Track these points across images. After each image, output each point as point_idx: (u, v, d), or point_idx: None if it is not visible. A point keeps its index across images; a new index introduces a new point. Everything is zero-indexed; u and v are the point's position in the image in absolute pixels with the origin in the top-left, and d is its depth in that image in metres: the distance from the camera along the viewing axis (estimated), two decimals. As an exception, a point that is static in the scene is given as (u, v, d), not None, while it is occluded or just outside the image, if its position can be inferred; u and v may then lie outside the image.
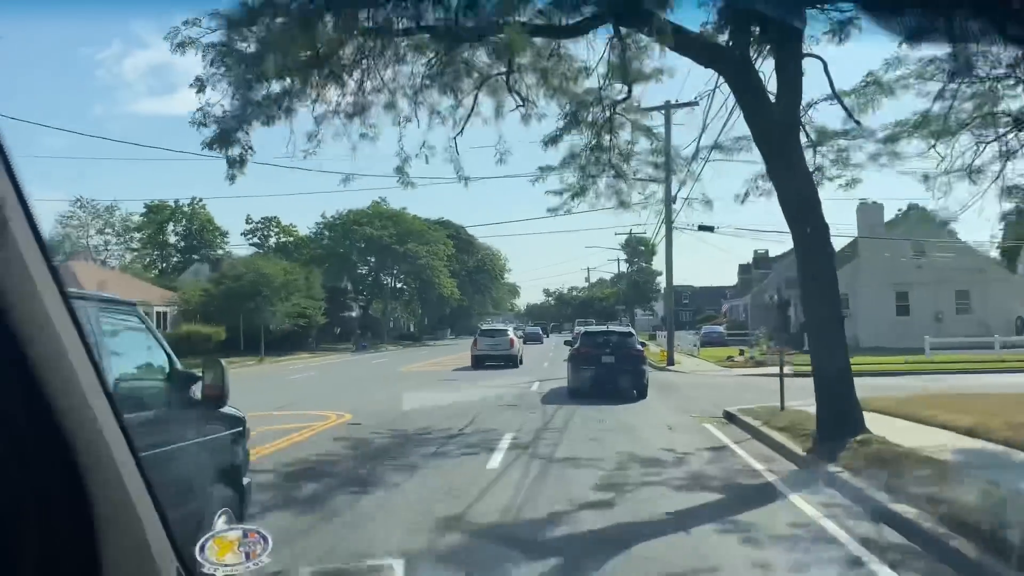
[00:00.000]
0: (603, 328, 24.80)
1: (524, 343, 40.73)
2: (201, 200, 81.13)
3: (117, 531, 1.12)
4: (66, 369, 1.07)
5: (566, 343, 30.17)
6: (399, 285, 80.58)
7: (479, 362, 32.02)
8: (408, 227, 66.19)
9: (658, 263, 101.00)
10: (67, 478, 1.09)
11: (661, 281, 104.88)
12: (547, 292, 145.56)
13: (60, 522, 1.09)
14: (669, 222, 32.36)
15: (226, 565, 1.84)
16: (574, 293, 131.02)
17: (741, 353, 36.36)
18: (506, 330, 36.53)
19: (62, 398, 1.06)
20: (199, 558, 1.80)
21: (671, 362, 32.02)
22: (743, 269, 71.83)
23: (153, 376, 5.12)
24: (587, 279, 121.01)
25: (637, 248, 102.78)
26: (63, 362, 1.06)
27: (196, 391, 5.20)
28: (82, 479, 1.09)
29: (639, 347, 20.58)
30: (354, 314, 75.93)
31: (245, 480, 5.96)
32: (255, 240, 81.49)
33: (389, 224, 65.93)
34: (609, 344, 19.91)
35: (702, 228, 32.03)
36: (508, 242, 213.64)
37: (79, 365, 1.10)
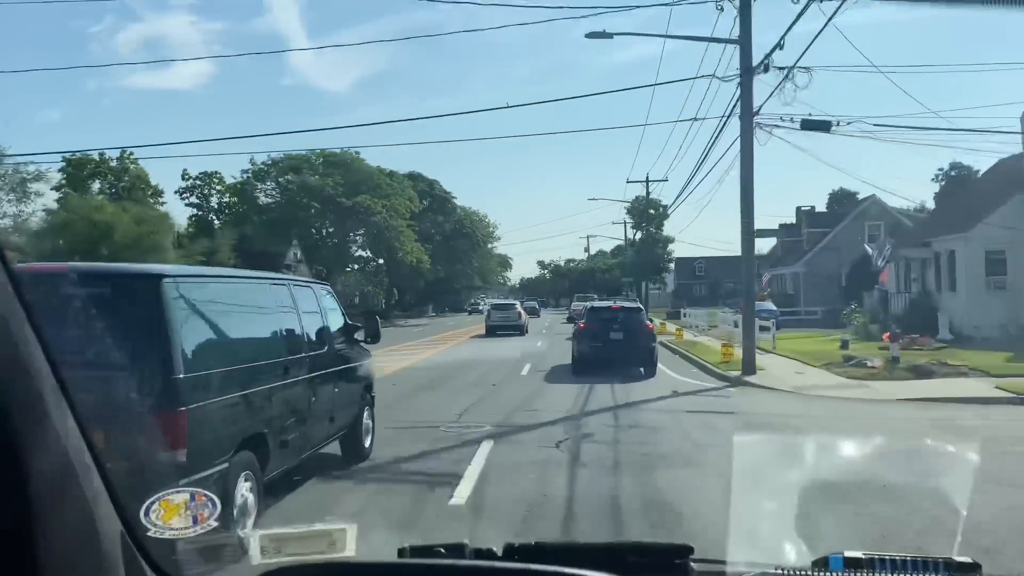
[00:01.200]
0: (610, 303, 23.28)
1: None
2: (132, 153, 66.66)
3: (54, 493, 1.10)
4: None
5: (570, 319, 30.90)
6: (364, 252, 66.38)
7: (492, 331, 36.17)
8: (361, 176, 51.55)
9: (670, 228, 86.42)
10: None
11: (673, 249, 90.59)
12: (542, 264, 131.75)
13: None
14: (748, 107, 17.90)
15: (173, 528, 1.80)
16: (571, 265, 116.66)
17: (845, 346, 22.22)
18: (514, 304, 41.66)
19: None
20: (144, 521, 1.74)
21: (751, 368, 17.65)
22: (786, 230, 57.36)
23: (339, 326, 8.52)
24: (586, 249, 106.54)
25: (645, 212, 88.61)
26: None
27: (359, 335, 8.97)
28: (15, 439, 1.06)
29: (648, 323, 19.78)
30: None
31: (372, 393, 9.46)
32: (193, 200, 66.61)
33: (336, 172, 51.34)
34: (617, 320, 18.81)
35: (808, 125, 17.73)
36: (497, 206, 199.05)
37: (15, 324, 1.10)
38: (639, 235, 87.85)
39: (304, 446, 7.04)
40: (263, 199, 53.18)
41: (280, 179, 51.87)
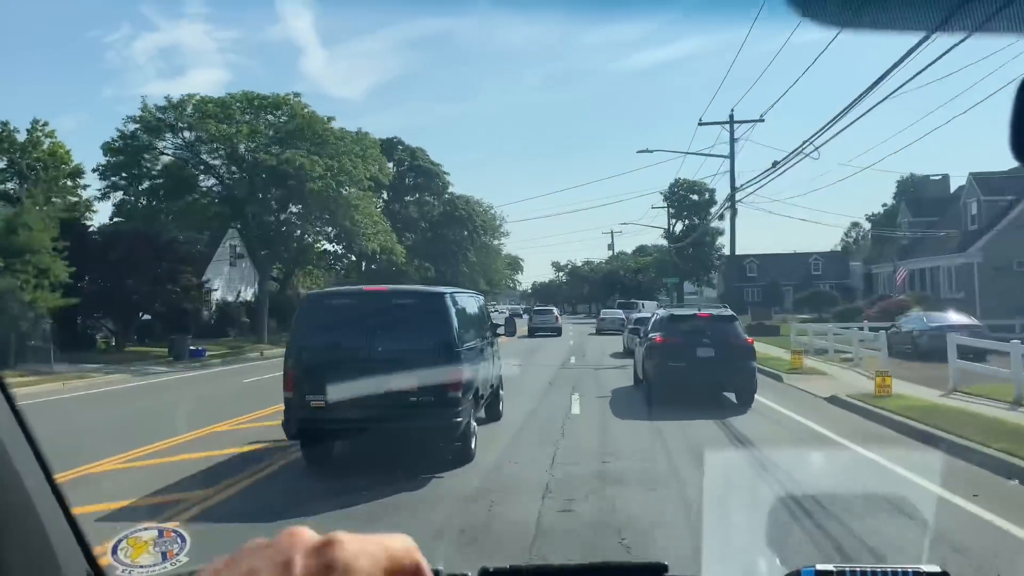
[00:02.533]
0: (694, 310, 17.23)
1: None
2: (46, 123, 50.34)
3: (15, 536, 1.07)
4: None
5: (599, 332, 40.58)
6: (332, 246, 50.07)
7: (533, 332, 43.13)
8: (298, 123, 34.89)
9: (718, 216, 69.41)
10: None
11: (723, 244, 73.32)
12: (557, 265, 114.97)
13: None
14: None
15: (142, 567, 1.81)
16: (590, 266, 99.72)
17: None
18: (552, 310, 49.11)
19: None
20: (112, 560, 1.76)
21: None
22: (913, 206, 40.20)
23: (489, 323, 12.75)
24: (610, 246, 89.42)
25: (686, 197, 71.80)
26: None
27: (500, 329, 14.09)
28: None
29: (745, 336, 15.63)
30: (216, 292, 45.45)
31: (501, 372, 12.99)
32: (118, 179, 49.44)
33: (260, 121, 34.83)
34: (706, 333, 15.04)
35: None
36: (504, 199, 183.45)
37: None
38: (677, 227, 70.97)
39: (483, 400, 10.81)
40: (160, 160, 36.39)
41: (185, 133, 35.20)
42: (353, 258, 53.02)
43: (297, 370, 8.83)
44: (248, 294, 52.61)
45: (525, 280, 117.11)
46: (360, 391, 8.36)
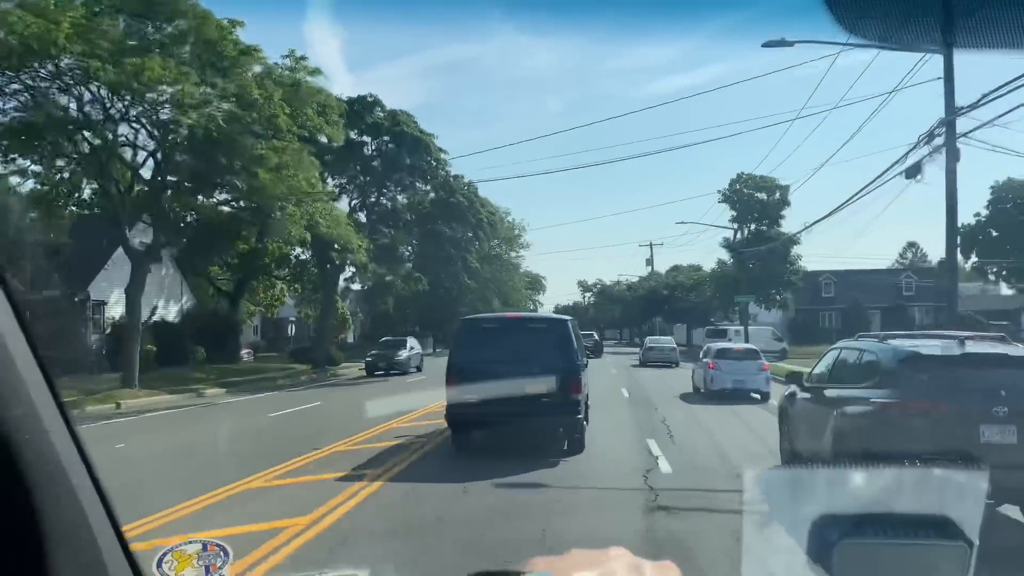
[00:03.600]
0: (961, 348, 7.63)
1: None
2: None
3: (70, 550, 1.08)
4: (12, 376, 1.02)
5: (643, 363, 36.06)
6: (300, 250, 36.92)
7: None
8: (179, 29, 21.03)
9: (791, 221, 54.52)
10: (14, 495, 1.03)
11: (798, 253, 58.33)
12: (584, 285, 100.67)
13: (8, 542, 1.04)
14: None
15: None
16: (626, 285, 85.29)
17: None
18: (592, 333, 49.50)
19: (7, 408, 1.02)
20: (157, 573, 1.79)
21: None
22: None
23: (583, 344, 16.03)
24: (649, 260, 74.75)
25: (751, 196, 57.46)
26: (9, 369, 1.02)
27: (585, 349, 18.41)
28: (31, 496, 1.04)
29: None
30: (108, 306, 32.01)
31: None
32: None
33: (121, 24, 21.09)
34: (995, 392, 7.27)
35: None
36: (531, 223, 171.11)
37: (25, 370, 1.03)
38: (742, 233, 56.59)
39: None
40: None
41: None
42: (311, 265, 39.21)
43: (457, 376, 11.63)
44: (172, 311, 38.93)
45: (547, 302, 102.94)
46: (504, 393, 10.87)
